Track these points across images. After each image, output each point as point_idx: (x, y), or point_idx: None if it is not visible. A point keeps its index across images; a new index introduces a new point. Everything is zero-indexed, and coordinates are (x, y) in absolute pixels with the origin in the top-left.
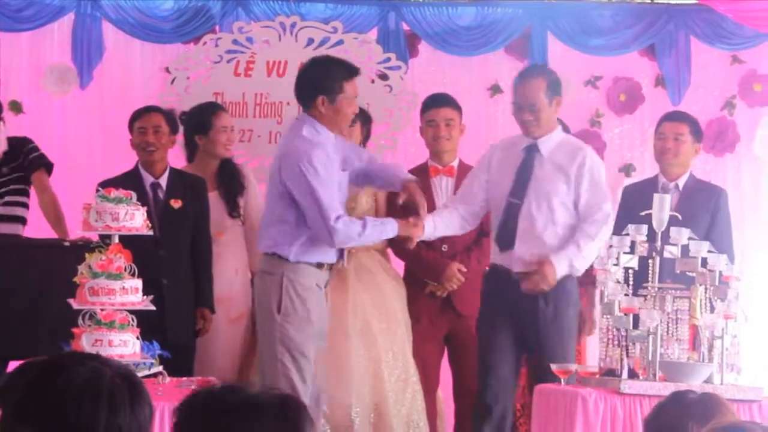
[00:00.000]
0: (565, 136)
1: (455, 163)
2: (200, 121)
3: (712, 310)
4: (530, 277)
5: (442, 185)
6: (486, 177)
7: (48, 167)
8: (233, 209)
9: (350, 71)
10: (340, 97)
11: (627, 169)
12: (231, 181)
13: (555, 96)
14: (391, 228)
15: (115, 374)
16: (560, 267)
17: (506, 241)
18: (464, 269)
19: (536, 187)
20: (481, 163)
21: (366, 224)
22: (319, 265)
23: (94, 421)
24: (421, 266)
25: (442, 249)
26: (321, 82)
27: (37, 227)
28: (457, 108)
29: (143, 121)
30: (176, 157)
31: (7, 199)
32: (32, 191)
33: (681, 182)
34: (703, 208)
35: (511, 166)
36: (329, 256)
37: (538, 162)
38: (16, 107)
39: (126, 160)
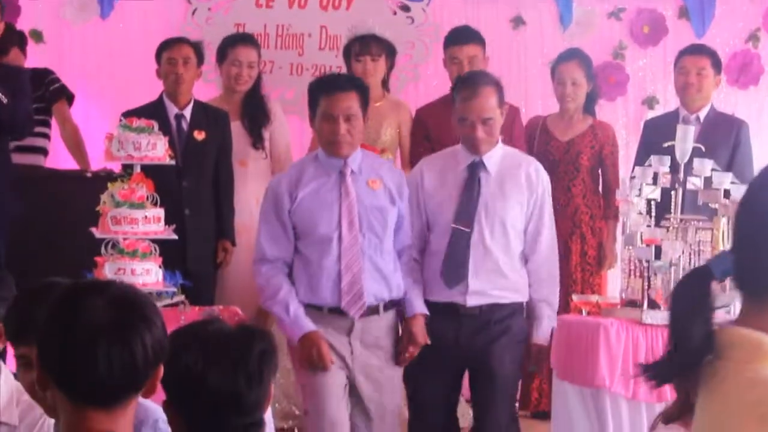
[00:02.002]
0: (506, 148)
1: None
2: (220, 51)
3: None
4: (530, 364)
5: None
6: (422, 202)
7: (69, 98)
8: (257, 140)
9: (328, 86)
10: (317, 113)
11: (650, 102)
12: (256, 112)
13: (502, 105)
14: (296, 332)
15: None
16: (547, 338)
17: (455, 275)
18: None
19: (486, 209)
20: (412, 191)
21: (287, 305)
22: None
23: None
24: None
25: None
26: (309, 98)
27: (58, 158)
28: (481, 42)
29: (173, 51)
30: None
31: None
32: (53, 122)
33: (702, 114)
34: (725, 139)
35: (453, 186)
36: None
37: (485, 180)
38: (36, 36)
39: (148, 90)
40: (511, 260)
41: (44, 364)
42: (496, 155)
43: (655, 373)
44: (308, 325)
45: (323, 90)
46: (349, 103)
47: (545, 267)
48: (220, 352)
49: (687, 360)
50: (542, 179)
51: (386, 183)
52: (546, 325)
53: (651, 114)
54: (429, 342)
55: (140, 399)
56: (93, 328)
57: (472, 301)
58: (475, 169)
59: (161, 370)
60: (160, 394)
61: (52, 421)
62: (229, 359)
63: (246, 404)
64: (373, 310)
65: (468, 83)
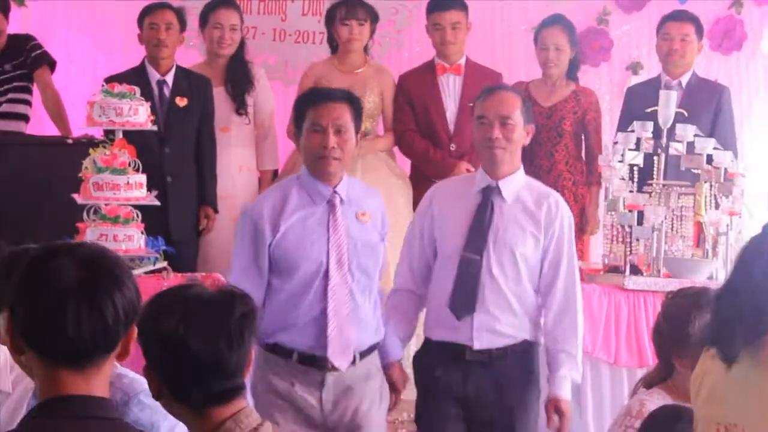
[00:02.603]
0: (528, 178)
1: (462, 61)
2: (202, 16)
3: (717, 206)
4: (551, 424)
5: (449, 83)
6: (428, 229)
7: (51, 64)
8: (241, 107)
9: (317, 96)
10: (303, 128)
11: (635, 68)
12: (239, 77)
13: (528, 123)
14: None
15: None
16: (567, 393)
17: (464, 306)
18: (472, 169)
19: (495, 238)
20: (418, 218)
21: None
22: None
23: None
24: (429, 165)
25: (450, 148)
26: (295, 113)
27: (40, 125)
28: (463, 8)
29: (155, 17)
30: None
31: (10, 96)
32: (35, 89)
33: (684, 80)
34: (707, 105)
35: (464, 211)
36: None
37: (498, 208)
38: (18, 0)
39: (129, 57)
40: (522, 294)
41: (16, 327)
42: (516, 182)
43: (724, 345)
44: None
45: (311, 101)
46: (340, 113)
47: (563, 312)
48: (201, 315)
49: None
50: (563, 213)
51: (374, 215)
52: (564, 376)
53: (635, 79)
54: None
55: (127, 372)
56: (61, 288)
57: (479, 343)
58: (489, 194)
59: (134, 331)
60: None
61: None
62: (210, 322)
63: (227, 368)
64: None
65: (491, 88)
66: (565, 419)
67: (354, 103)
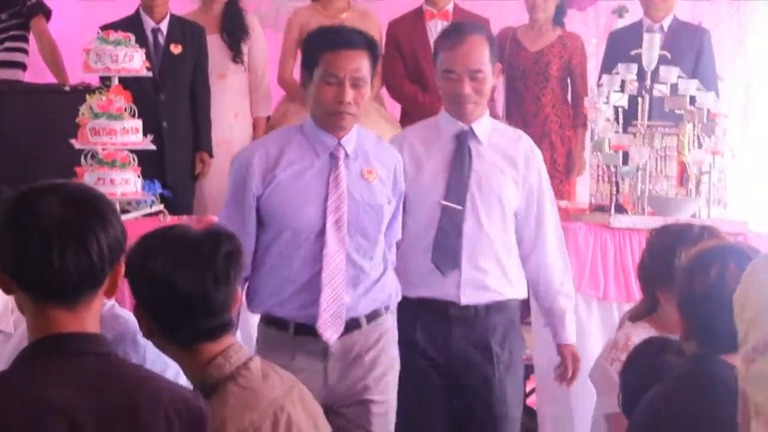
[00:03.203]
0: (494, 122)
1: (450, 7)
2: None
3: (700, 146)
4: (560, 372)
5: (437, 29)
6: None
7: (46, 13)
8: (236, 54)
9: (333, 40)
10: (314, 75)
11: (620, 11)
12: (235, 26)
13: (495, 63)
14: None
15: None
16: (574, 336)
17: (448, 259)
18: None
19: (479, 185)
20: None
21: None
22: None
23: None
24: (418, 109)
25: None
26: (304, 55)
27: (37, 73)
28: None
29: None
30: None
31: (6, 45)
32: (31, 37)
33: (666, 24)
34: (688, 48)
35: (439, 157)
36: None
37: (476, 151)
38: None
39: (124, 5)
40: (510, 245)
41: (3, 265)
42: (486, 125)
43: None
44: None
45: (327, 44)
46: (360, 63)
47: (556, 255)
48: (187, 254)
49: None
50: (538, 158)
51: (381, 173)
52: (570, 320)
53: (621, 23)
54: None
55: (124, 313)
56: (46, 225)
57: (466, 298)
58: (464, 138)
59: (121, 267)
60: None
61: None
62: (196, 261)
63: (214, 305)
64: (353, 325)
65: (453, 32)
66: (578, 364)
67: (373, 50)
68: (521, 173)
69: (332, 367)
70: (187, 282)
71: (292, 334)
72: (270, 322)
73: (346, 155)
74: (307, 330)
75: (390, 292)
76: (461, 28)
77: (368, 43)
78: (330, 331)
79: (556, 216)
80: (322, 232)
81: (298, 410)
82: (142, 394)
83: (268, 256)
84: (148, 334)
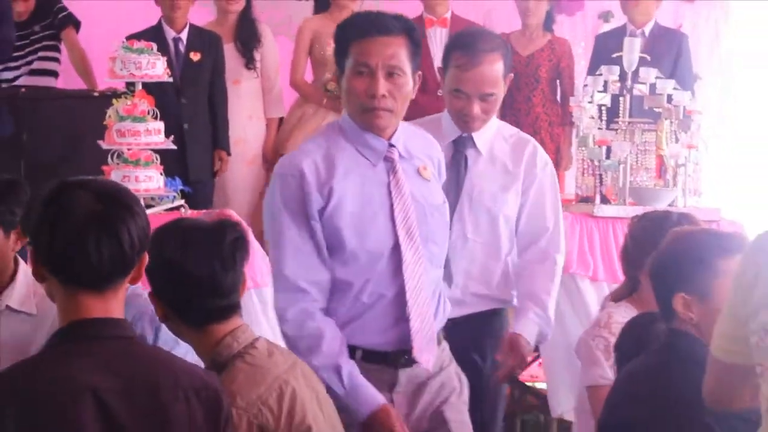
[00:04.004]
0: (501, 123)
1: (448, 15)
2: None
3: (677, 141)
4: (502, 364)
5: (437, 35)
6: None
7: (76, 25)
8: (249, 61)
9: (362, 27)
10: (345, 67)
11: (606, 16)
12: (248, 35)
13: (506, 75)
14: (359, 407)
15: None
16: (532, 338)
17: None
18: None
19: (472, 198)
20: None
21: (337, 367)
22: None
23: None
24: (417, 110)
25: (438, 93)
26: (337, 47)
27: (68, 80)
28: None
29: None
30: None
31: (40, 54)
32: (63, 48)
33: (647, 29)
34: (667, 51)
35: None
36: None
37: (473, 161)
38: None
39: (147, 17)
40: (496, 262)
41: (39, 255)
42: (490, 131)
43: None
44: (374, 397)
45: (356, 32)
46: (394, 50)
47: (546, 272)
48: (197, 242)
49: None
50: (542, 159)
51: (434, 168)
52: (531, 323)
53: (607, 27)
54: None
55: (142, 291)
56: (82, 219)
57: (456, 310)
58: (462, 146)
59: (146, 257)
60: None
61: None
62: (205, 247)
63: (222, 287)
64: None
65: (468, 48)
66: (523, 363)
67: (412, 36)
68: (520, 179)
69: (399, 402)
70: (196, 267)
71: (359, 360)
72: None
73: (400, 156)
74: (379, 357)
75: (448, 305)
76: (477, 45)
77: (406, 29)
78: (426, 354)
79: (558, 223)
80: (395, 247)
81: (302, 385)
82: (163, 375)
83: (338, 282)
84: (163, 318)
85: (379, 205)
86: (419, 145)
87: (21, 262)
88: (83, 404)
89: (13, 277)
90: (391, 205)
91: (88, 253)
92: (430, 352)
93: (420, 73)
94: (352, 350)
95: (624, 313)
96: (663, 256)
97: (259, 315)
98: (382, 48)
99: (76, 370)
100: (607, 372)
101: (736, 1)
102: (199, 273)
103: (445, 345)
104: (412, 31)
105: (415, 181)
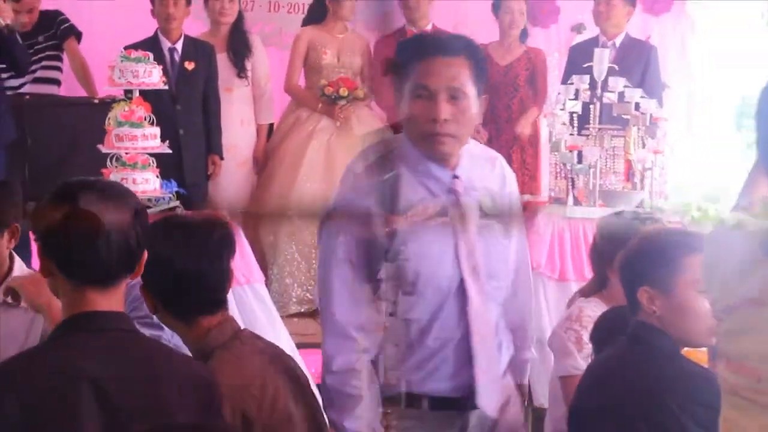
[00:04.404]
0: (470, 145)
1: (429, 27)
2: None
3: (644, 146)
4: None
5: None
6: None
7: (77, 35)
8: (241, 71)
9: (423, 47)
10: (405, 89)
11: (578, 28)
12: (239, 45)
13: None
14: None
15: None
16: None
17: None
18: None
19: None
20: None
21: None
22: None
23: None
24: None
25: None
26: (394, 70)
27: (70, 87)
28: None
29: None
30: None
31: (43, 63)
32: (65, 57)
33: (618, 40)
34: (636, 61)
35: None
36: None
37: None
38: None
39: (145, 28)
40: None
41: (48, 253)
42: (465, 161)
43: None
44: None
45: (416, 53)
46: (456, 71)
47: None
48: (185, 238)
49: None
50: (511, 181)
51: (497, 192)
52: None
53: (579, 38)
54: None
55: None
56: (93, 220)
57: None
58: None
59: (146, 254)
60: None
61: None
62: (193, 244)
63: (209, 282)
64: None
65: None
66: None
67: (475, 57)
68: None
69: None
70: (185, 263)
71: (426, 410)
72: (388, 398)
73: (465, 188)
74: (446, 404)
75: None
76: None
77: (468, 49)
78: (491, 399)
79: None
80: (460, 286)
81: (284, 376)
82: (160, 365)
83: (402, 325)
84: (153, 310)
85: (446, 241)
86: (482, 174)
87: (16, 257)
88: (83, 393)
89: (8, 272)
90: (456, 242)
91: (98, 254)
92: (496, 398)
93: (486, 96)
94: (418, 399)
95: (594, 308)
96: (630, 254)
97: (256, 310)
98: (444, 69)
99: (78, 361)
100: (579, 362)
101: (702, 12)
102: (188, 268)
103: (507, 378)
104: (475, 51)
105: (477, 212)
